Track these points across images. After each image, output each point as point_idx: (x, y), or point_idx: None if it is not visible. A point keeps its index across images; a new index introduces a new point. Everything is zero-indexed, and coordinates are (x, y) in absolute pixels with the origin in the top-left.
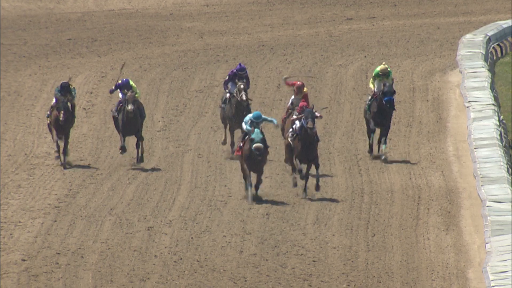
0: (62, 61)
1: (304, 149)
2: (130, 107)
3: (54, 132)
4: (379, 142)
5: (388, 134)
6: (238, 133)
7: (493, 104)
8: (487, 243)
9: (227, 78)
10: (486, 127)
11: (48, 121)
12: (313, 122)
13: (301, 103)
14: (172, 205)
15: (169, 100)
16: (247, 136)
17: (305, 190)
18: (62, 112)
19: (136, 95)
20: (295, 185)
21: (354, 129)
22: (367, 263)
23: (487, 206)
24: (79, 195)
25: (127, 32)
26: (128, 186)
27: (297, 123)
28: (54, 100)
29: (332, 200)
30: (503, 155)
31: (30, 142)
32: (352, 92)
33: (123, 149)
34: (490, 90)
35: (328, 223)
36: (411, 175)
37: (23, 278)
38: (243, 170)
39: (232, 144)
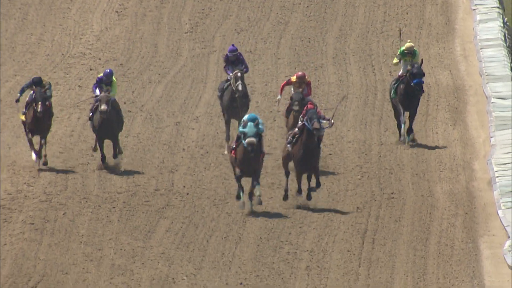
0: None
1: (305, 156)
2: (103, 107)
3: (29, 132)
4: (406, 129)
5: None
6: (233, 125)
7: (498, 7)
8: (491, 137)
9: (224, 64)
10: (491, 29)
11: (23, 119)
12: (320, 123)
13: (309, 105)
14: (199, 102)
15: (195, 3)
16: (241, 138)
17: (299, 194)
18: (40, 102)
19: (112, 94)
20: (285, 197)
21: (368, 31)
22: (380, 156)
23: (492, 103)
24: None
25: None
26: (158, 84)
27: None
28: (28, 97)
29: (347, 97)
30: (507, 54)
31: (66, 43)
32: None
33: (102, 160)
34: None
35: (344, 119)
36: None
37: (61, 169)
38: (235, 174)
39: (228, 138)
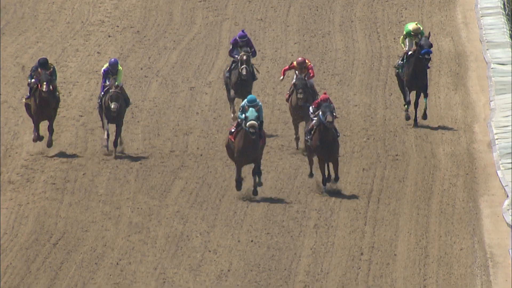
0: None
1: (325, 147)
2: (113, 106)
3: (35, 117)
4: (416, 106)
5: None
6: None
7: None
8: (491, 101)
9: (231, 47)
10: None
11: (26, 103)
12: (332, 116)
13: (323, 96)
14: (212, 68)
15: None
16: (240, 126)
17: (324, 185)
18: (45, 83)
19: (117, 83)
20: (311, 175)
21: (374, 0)
22: (385, 119)
23: (492, 68)
24: (129, 58)
25: None
26: (173, 50)
27: (314, 120)
28: (33, 79)
29: (353, 63)
30: (506, 22)
31: (86, 11)
32: None
33: (107, 137)
34: None
35: (350, 83)
36: None
37: (81, 132)
38: (235, 162)
39: (234, 111)
